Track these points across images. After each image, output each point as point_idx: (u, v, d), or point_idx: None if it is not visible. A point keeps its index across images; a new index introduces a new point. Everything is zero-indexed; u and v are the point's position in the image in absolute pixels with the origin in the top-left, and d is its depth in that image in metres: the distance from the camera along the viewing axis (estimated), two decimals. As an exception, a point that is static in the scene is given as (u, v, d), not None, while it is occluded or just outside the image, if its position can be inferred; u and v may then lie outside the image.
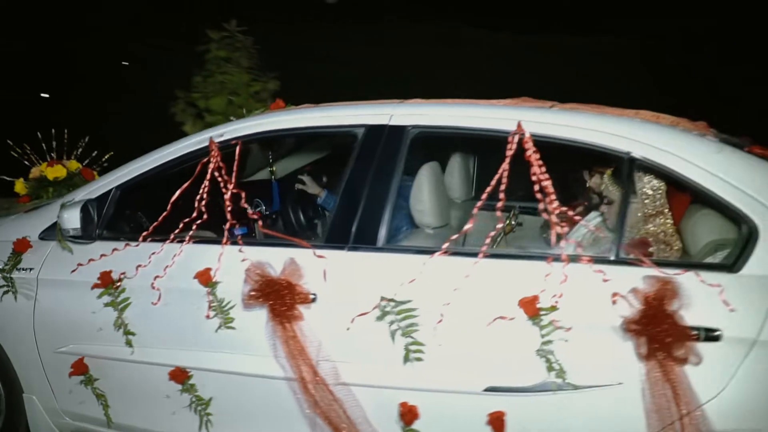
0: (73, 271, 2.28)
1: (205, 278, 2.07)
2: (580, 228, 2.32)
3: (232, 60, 4.69)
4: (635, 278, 1.71)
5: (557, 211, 1.82)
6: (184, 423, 2.18)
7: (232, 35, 4.70)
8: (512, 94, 2.31)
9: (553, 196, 1.83)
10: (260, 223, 2.11)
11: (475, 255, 1.89)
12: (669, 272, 1.70)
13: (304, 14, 17.34)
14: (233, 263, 2.07)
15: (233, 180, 2.18)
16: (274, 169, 3.33)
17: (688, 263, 1.79)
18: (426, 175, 2.34)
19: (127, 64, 14.89)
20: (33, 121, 4.55)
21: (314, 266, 2.00)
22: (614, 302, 1.70)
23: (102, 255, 2.26)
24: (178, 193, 2.25)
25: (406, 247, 2.19)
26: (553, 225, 1.80)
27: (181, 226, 2.20)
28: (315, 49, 14.53)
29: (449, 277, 1.87)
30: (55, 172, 3.27)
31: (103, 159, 3.58)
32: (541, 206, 1.82)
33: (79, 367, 2.27)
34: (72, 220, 2.21)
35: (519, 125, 1.92)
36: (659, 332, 1.62)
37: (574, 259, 1.79)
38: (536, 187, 1.83)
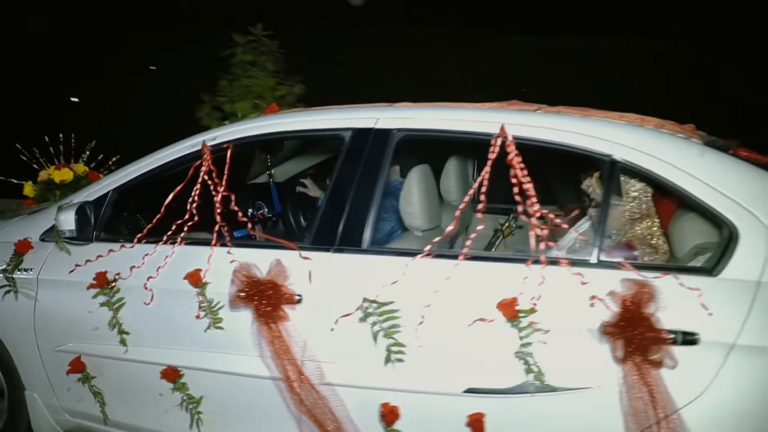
0: (71, 271, 2.34)
1: (195, 279, 2.12)
2: (570, 234, 2.32)
3: (258, 64, 4.76)
4: (614, 281, 1.71)
5: (537, 214, 1.82)
6: (176, 421, 2.23)
7: (258, 39, 4.76)
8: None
9: (534, 199, 1.83)
10: (249, 225, 2.14)
11: (457, 257, 1.90)
12: (648, 275, 1.70)
13: (323, 18, 17.49)
14: (222, 264, 2.11)
15: (224, 182, 2.22)
16: (273, 172, 3.37)
17: (668, 266, 1.78)
18: (415, 178, 2.36)
19: (154, 68, 15.14)
20: (43, 125, 4.66)
21: (301, 268, 2.03)
22: (592, 305, 1.70)
23: (98, 256, 2.32)
24: (171, 195, 2.30)
25: (390, 249, 2.21)
26: (533, 227, 1.81)
27: (173, 228, 2.25)
28: (334, 53, 14.63)
29: (431, 279, 1.88)
30: (62, 175, 3.35)
31: (111, 162, 3.65)
32: (520, 209, 1.83)
33: (77, 365, 2.34)
34: (68, 221, 2.28)
35: (502, 128, 1.93)
36: (635, 335, 1.61)
37: (553, 261, 1.79)
38: (516, 189, 1.84)
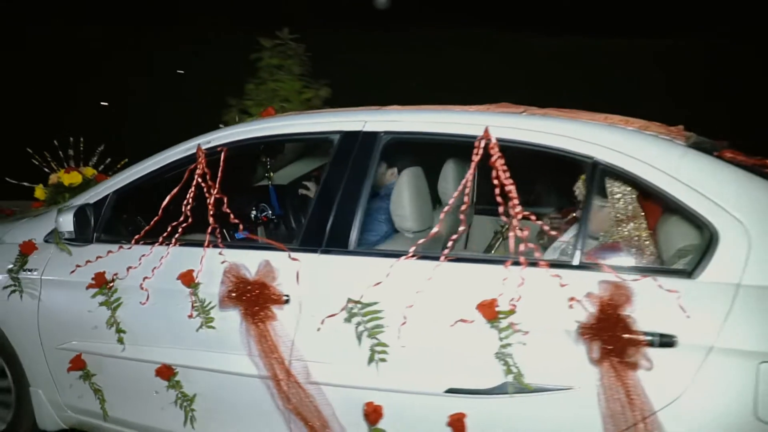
0: (72, 272, 2.41)
1: (188, 279, 2.17)
2: (561, 236, 2.32)
3: (284, 67, 4.80)
4: (593, 283, 1.71)
5: (519, 216, 1.83)
6: (171, 418, 2.28)
7: (285, 43, 4.80)
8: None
9: (516, 201, 1.85)
10: (241, 227, 2.19)
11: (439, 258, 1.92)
12: (627, 277, 1.70)
13: (346, 23, 17.58)
14: (214, 265, 2.16)
15: (218, 185, 2.27)
16: (272, 174, 3.43)
17: (648, 269, 1.78)
18: (406, 180, 2.38)
19: (182, 72, 15.34)
20: (54, 128, 4.77)
21: (289, 268, 2.07)
22: (571, 307, 1.71)
23: (98, 257, 2.39)
24: (168, 198, 2.36)
25: (376, 251, 2.23)
26: (513, 228, 1.82)
27: (168, 229, 2.31)
28: (358, 56, 14.68)
29: (415, 281, 1.90)
30: (71, 178, 3.45)
31: (119, 165, 3.74)
32: (501, 209, 1.84)
33: (77, 363, 2.41)
34: (66, 223, 2.35)
35: (486, 131, 1.95)
36: (611, 337, 1.62)
37: (533, 263, 1.80)
38: (497, 191, 1.85)
